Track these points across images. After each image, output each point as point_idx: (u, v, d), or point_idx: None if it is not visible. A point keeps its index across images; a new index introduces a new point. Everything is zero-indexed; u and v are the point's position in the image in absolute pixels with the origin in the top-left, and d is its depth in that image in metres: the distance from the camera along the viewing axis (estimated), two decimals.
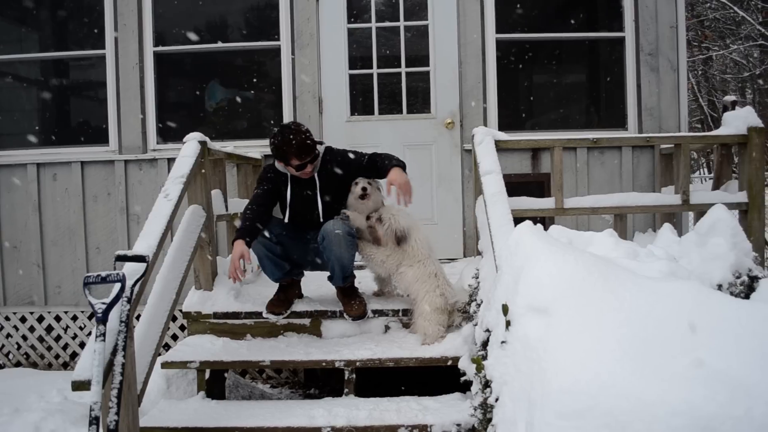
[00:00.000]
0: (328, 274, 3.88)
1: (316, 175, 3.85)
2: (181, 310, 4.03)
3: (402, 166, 3.69)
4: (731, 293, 3.14)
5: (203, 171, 3.97)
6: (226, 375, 3.90)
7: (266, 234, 3.74)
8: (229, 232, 4.73)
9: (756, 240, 4.26)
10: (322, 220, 3.81)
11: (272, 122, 5.69)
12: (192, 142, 3.91)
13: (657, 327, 2.17)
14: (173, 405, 3.51)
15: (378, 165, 3.77)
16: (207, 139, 4.01)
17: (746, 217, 4.31)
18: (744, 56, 16.11)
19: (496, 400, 2.44)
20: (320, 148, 3.88)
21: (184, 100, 6.00)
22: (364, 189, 3.85)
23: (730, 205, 4.11)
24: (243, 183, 5.01)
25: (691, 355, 2.03)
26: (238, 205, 4.66)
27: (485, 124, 5.44)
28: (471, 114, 5.51)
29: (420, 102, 5.64)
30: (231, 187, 4.99)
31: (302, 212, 3.86)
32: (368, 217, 3.85)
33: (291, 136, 3.65)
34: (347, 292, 3.91)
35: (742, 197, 4.32)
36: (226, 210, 4.41)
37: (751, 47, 15.68)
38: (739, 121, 4.40)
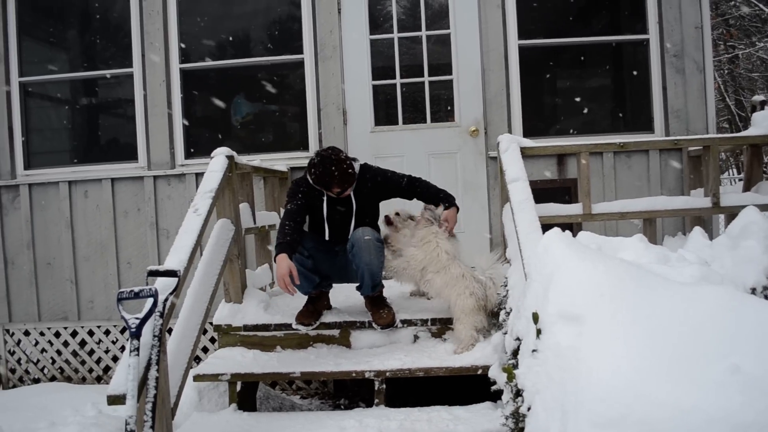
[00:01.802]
0: (356, 284, 3.89)
1: (352, 193, 3.87)
2: (211, 323, 4.07)
3: (456, 206, 4.00)
4: (765, 297, 3.09)
5: (231, 185, 4.02)
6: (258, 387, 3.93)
7: (300, 249, 3.75)
8: (257, 245, 4.77)
9: None
10: (328, 237, 3.88)
11: (299, 135, 5.76)
12: (219, 156, 3.96)
13: (691, 333, 2.15)
14: (206, 418, 3.54)
15: (419, 191, 3.99)
16: (234, 153, 4.06)
17: None
18: None
19: (528, 409, 2.43)
20: (356, 166, 3.89)
21: (211, 115, 6.08)
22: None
23: (762, 207, 4.02)
24: (270, 196, 5.05)
25: (727, 361, 2.00)
26: (266, 218, 4.71)
27: (510, 131, 5.42)
28: (495, 121, 5.50)
29: (444, 111, 5.65)
30: (258, 200, 5.04)
31: (335, 228, 3.89)
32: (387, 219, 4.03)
33: (333, 168, 3.67)
34: (376, 301, 3.92)
35: None
36: (254, 223, 4.45)
37: None
38: None
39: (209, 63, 5.82)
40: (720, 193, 4.27)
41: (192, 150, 5.77)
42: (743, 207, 3.60)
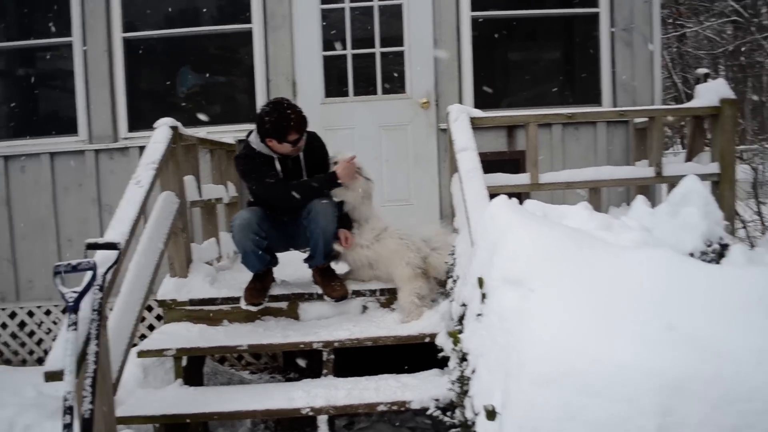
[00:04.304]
0: (303, 256, 3.84)
1: (301, 154, 3.80)
2: (156, 300, 3.97)
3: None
4: (703, 261, 3.17)
5: (175, 156, 3.91)
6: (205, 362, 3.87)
7: (256, 229, 3.65)
8: (203, 219, 4.66)
9: (727, 210, 4.29)
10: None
11: (248, 107, 5.63)
12: (163, 127, 3.85)
13: (630, 293, 2.18)
14: (150, 394, 3.47)
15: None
16: (179, 124, 3.95)
17: (718, 187, 4.34)
18: (717, 33, 16.25)
19: (473, 372, 2.44)
20: None
21: (155, 87, 5.91)
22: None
23: (703, 177, 4.12)
24: (217, 168, 4.94)
25: (663, 319, 2.04)
26: (213, 191, 4.61)
27: (461, 103, 5.40)
28: (446, 93, 5.48)
29: (395, 83, 5.60)
30: (205, 174, 4.91)
31: None
32: None
33: (289, 111, 3.61)
34: (326, 273, 3.87)
35: (714, 168, 4.35)
36: (200, 196, 4.34)
37: (725, 23, 15.84)
38: (711, 93, 4.42)
39: (154, 32, 5.63)
40: (663, 163, 4.35)
41: (136, 123, 5.58)
42: (685, 176, 3.67)
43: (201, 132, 4.72)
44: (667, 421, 1.80)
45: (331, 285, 3.84)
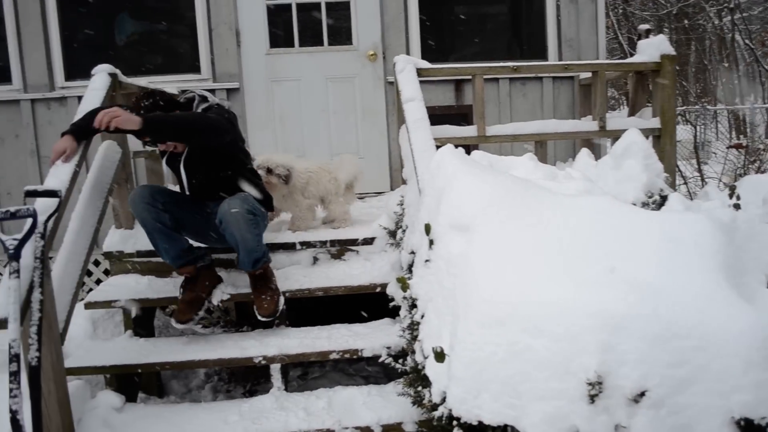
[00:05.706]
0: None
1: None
2: (102, 253, 3.89)
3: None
4: None
5: (115, 105, 3.78)
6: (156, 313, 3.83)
7: (150, 200, 3.28)
8: (148, 171, 4.55)
9: (668, 163, 4.46)
10: (188, 192, 3.49)
11: (190, 57, 5.46)
12: (101, 74, 3.71)
13: (572, 238, 2.26)
14: (99, 345, 3.45)
15: None
16: (117, 71, 3.81)
17: (659, 142, 4.49)
18: None
19: (422, 317, 2.51)
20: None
21: (92, 34, 5.64)
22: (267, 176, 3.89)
23: (645, 131, 4.25)
24: None
25: (604, 262, 2.13)
26: None
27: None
28: (393, 46, 5.45)
29: (342, 34, 5.52)
30: None
31: (197, 178, 3.48)
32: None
33: None
34: (258, 280, 3.44)
35: (655, 123, 4.48)
36: (144, 146, 4.23)
37: None
38: (652, 48, 4.53)
39: None
40: (606, 117, 4.46)
41: (73, 72, 5.36)
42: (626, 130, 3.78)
43: (142, 81, 4.55)
44: (608, 357, 1.90)
45: (261, 298, 3.39)
